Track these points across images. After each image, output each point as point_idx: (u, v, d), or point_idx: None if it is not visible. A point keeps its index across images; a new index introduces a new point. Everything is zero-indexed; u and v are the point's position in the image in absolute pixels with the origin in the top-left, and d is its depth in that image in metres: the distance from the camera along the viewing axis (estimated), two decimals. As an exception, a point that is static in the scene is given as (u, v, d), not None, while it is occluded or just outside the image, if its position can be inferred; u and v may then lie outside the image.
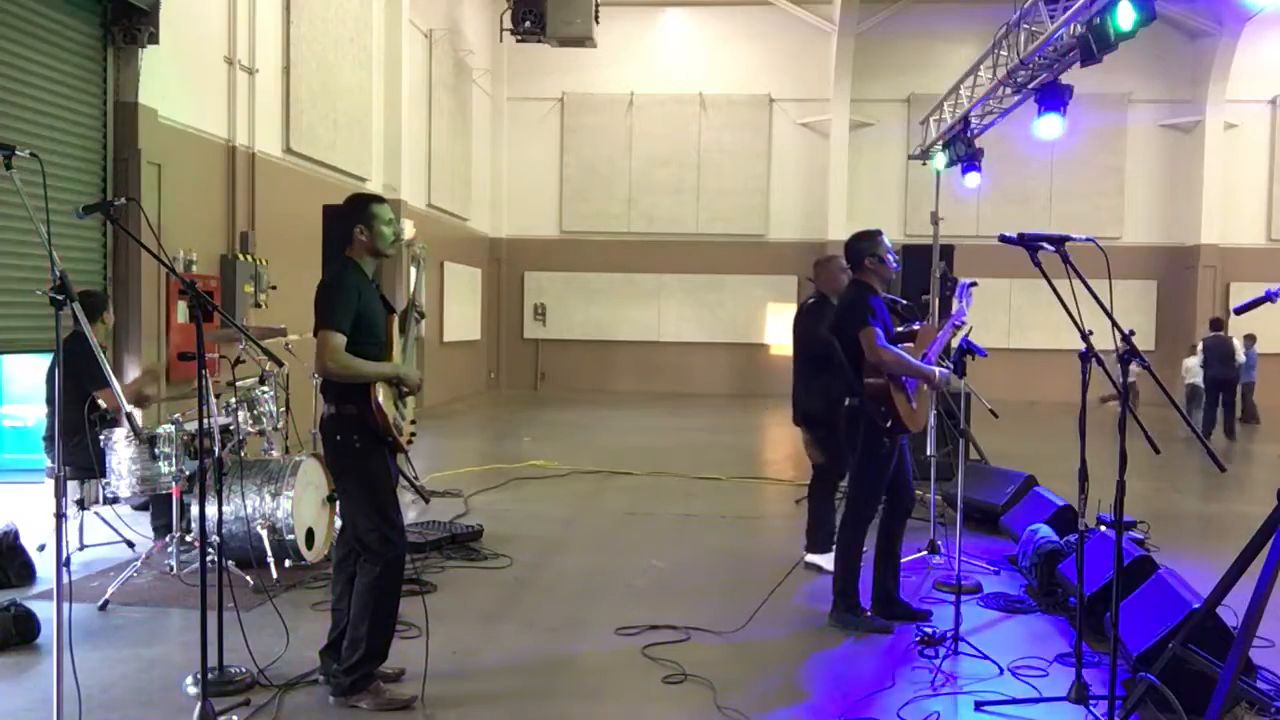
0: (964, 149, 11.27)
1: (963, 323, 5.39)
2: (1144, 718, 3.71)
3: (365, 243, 4.07)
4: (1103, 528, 5.86)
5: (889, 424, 4.93)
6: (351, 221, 4.08)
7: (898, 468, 5.17)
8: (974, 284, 5.53)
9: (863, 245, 5.16)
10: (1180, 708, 3.56)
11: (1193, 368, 15.52)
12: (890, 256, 5.16)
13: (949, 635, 4.66)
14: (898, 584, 5.31)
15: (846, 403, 5.13)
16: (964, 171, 11.58)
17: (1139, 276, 19.90)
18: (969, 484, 6.21)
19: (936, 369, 5.05)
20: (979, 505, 7.44)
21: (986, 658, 4.52)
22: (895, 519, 5.28)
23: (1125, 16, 7.51)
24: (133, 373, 8.31)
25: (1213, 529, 7.96)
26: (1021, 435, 13.46)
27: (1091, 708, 3.92)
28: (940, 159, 11.50)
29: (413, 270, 4.53)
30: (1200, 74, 19.77)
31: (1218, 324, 15.18)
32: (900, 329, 5.27)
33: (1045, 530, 6.02)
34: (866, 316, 4.93)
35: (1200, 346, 15.43)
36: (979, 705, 4.07)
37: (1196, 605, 3.90)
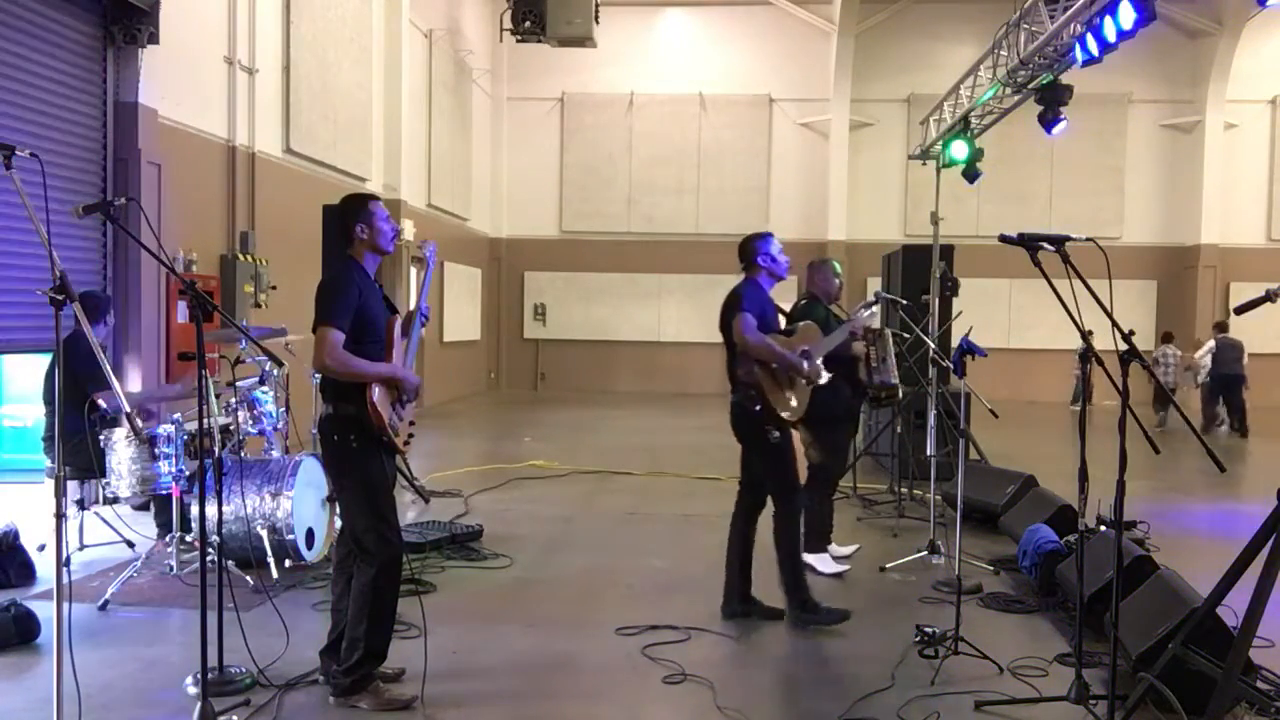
0: (965, 149, 11.27)
1: (860, 330, 5.47)
2: (1144, 718, 3.71)
3: (366, 240, 4.07)
4: (1103, 528, 5.87)
5: (758, 408, 4.98)
6: (351, 220, 4.08)
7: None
8: (876, 301, 5.86)
9: (753, 245, 5.27)
10: (1180, 708, 3.56)
11: (1203, 364, 15.72)
12: (782, 259, 5.26)
13: (949, 635, 4.66)
14: (749, 579, 5.34)
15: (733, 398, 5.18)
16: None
17: (1139, 276, 19.90)
18: (969, 484, 6.21)
19: (805, 362, 5.09)
20: (979, 505, 7.44)
21: (986, 658, 4.52)
22: (749, 509, 5.35)
23: (1125, 17, 7.51)
24: (133, 373, 8.32)
25: (1213, 529, 7.95)
26: (1021, 435, 13.46)
27: (1091, 708, 3.92)
28: (959, 146, 11.23)
29: (414, 271, 4.52)
30: (1200, 74, 19.77)
31: (1223, 326, 15.33)
32: (785, 328, 5.32)
33: (1045, 530, 6.02)
34: (743, 304, 5.01)
35: (1212, 345, 15.60)
36: (979, 705, 4.07)
37: (1196, 605, 3.90)
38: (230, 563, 5.36)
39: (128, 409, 3.73)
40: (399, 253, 13.30)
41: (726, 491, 9.01)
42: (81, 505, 5.98)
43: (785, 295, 6.95)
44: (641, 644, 4.78)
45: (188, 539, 5.71)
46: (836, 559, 6.26)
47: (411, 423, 4.20)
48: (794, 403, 5.08)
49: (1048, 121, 9.93)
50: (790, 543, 5.16)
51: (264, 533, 5.71)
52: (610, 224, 20.47)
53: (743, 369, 5.02)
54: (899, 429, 8.52)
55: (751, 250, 5.27)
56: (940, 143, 12.21)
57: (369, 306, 4.00)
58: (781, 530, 5.17)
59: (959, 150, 11.09)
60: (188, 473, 5.61)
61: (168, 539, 5.73)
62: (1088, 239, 3.84)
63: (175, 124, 8.99)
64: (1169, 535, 7.19)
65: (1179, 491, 9.52)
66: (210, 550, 4.10)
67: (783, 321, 5.39)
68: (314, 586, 5.57)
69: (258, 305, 10.21)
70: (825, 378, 5.22)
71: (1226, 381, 15.00)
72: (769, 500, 5.27)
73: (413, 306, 4.48)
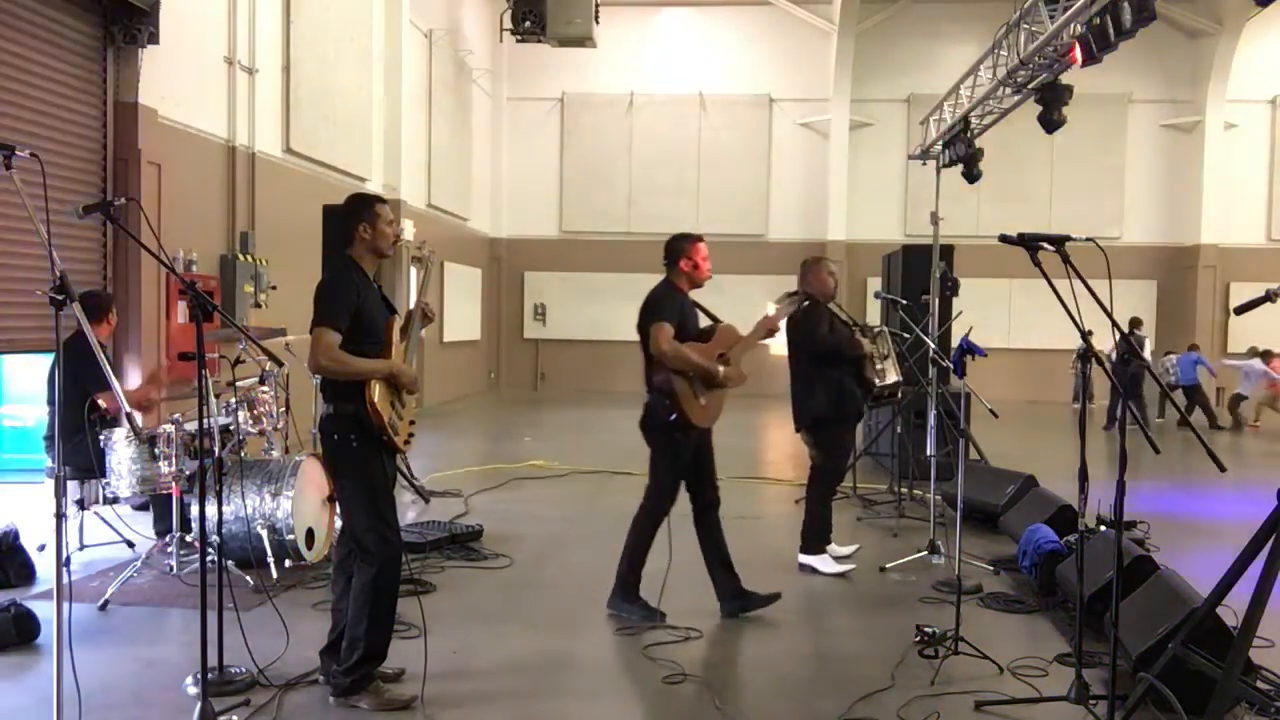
0: (964, 149, 11.26)
1: (777, 328, 5.41)
2: (1144, 718, 3.71)
3: (368, 241, 4.07)
4: (1103, 528, 5.87)
5: (673, 417, 4.97)
6: (354, 220, 4.08)
7: (699, 462, 5.21)
8: (795, 293, 5.75)
9: (678, 247, 5.24)
10: (1180, 708, 3.56)
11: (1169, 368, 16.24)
12: (705, 266, 5.23)
13: (949, 635, 4.66)
14: (734, 574, 5.35)
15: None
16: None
17: (1139, 276, 19.89)
18: (969, 484, 6.21)
19: (721, 368, 5.07)
20: (979, 505, 7.43)
21: (987, 658, 4.52)
22: (701, 513, 5.33)
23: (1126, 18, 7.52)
24: (133, 373, 8.31)
25: (1213, 529, 7.95)
26: (1021, 435, 13.46)
27: (1091, 708, 3.92)
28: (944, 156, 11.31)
29: (414, 272, 4.52)
30: (1200, 74, 19.77)
31: (1195, 348, 16.71)
32: (704, 327, 5.27)
33: (1045, 530, 6.02)
34: (662, 312, 4.99)
35: (1174, 357, 16.40)
36: (979, 705, 4.07)
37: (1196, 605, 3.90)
38: (230, 563, 5.36)
39: (128, 409, 3.73)
40: (399, 253, 13.30)
41: (727, 491, 9.01)
42: (81, 505, 5.97)
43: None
44: (641, 644, 4.78)
45: (188, 539, 5.71)
46: (837, 559, 6.26)
47: (412, 422, 4.20)
48: (707, 407, 5.09)
49: (1048, 122, 9.93)
50: (637, 535, 5.19)
51: (264, 533, 5.71)
52: (610, 224, 20.47)
53: (658, 375, 5.02)
54: (899, 429, 8.52)
55: (675, 251, 5.23)
56: (940, 143, 12.21)
57: (367, 307, 3.99)
58: (638, 521, 5.21)
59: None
60: (188, 473, 5.61)
61: (168, 539, 5.73)
62: (1088, 239, 3.84)
63: (175, 124, 8.99)
64: (1169, 535, 7.19)
65: (1179, 491, 9.52)
66: (210, 550, 4.10)
67: (704, 320, 5.35)
68: (314, 586, 5.57)
69: (258, 305, 10.21)
70: (723, 384, 5.15)
71: (1185, 391, 15.86)
72: (708, 498, 5.32)
73: (412, 306, 4.48)
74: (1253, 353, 16.14)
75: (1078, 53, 8.04)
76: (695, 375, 5.01)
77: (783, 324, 5.53)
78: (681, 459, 5.13)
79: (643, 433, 5.21)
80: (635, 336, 5.25)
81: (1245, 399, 15.98)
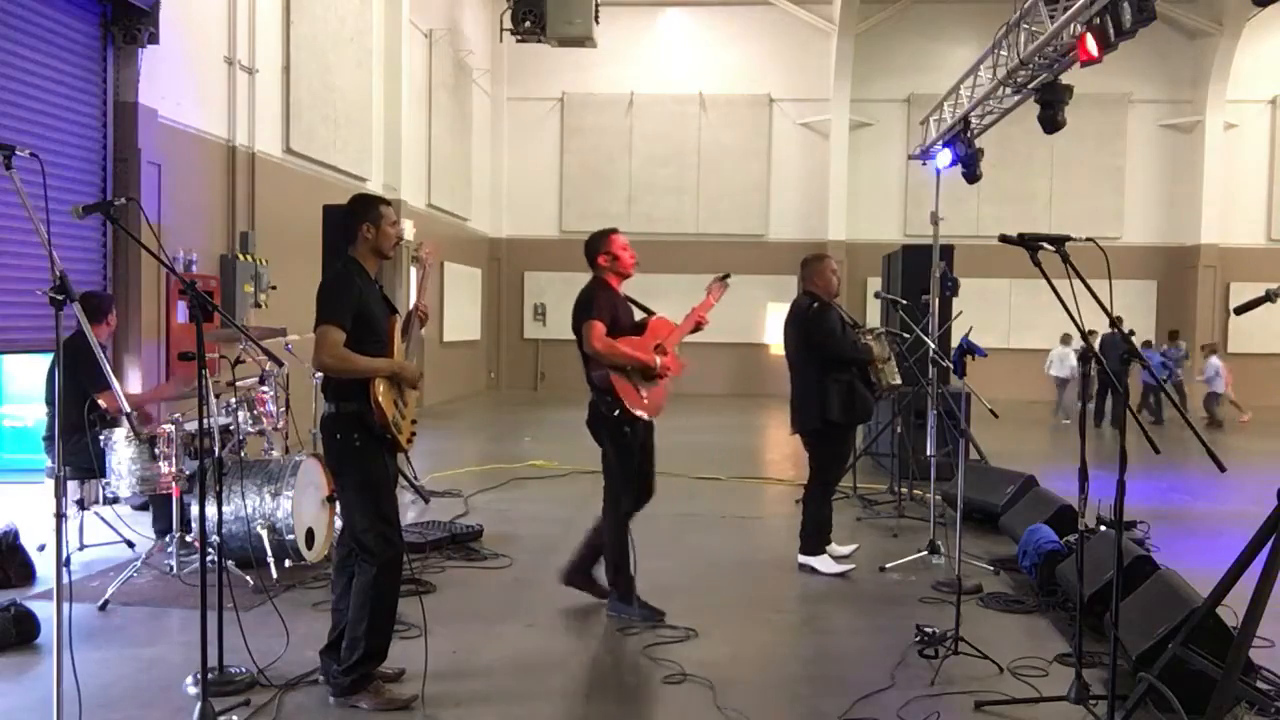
0: (964, 149, 11.24)
1: (706, 319, 5.39)
2: (1144, 718, 3.71)
3: (371, 241, 4.08)
4: (1103, 527, 5.87)
5: (616, 413, 5.00)
6: (359, 220, 4.08)
7: (642, 458, 5.23)
8: (727, 276, 5.61)
9: (593, 244, 5.27)
10: (1180, 708, 3.56)
11: (1062, 359, 16.33)
12: (625, 255, 5.23)
13: (949, 635, 4.66)
14: (596, 561, 5.35)
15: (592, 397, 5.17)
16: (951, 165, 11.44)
17: (1139, 276, 19.91)
18: (969, 484, 6.21)
19: (658, 358, 5.10)
20: (979, 505, 7.43)
21: (987, 658, 4.52)
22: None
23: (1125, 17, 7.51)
24: (133, 373, 8.32)
25: (1213, 529, 7.95)
26: (1021, 435, 13.45)
27: (1091, 708, 3.92)
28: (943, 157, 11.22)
29: (413, 271, 4.53)
30: (1200, 74, 19.77)
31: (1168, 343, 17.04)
32: (637, 320, 5.29)
33: (1045, 530, 6.01)
34: (592, 311, 5.01)
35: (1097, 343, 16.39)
36: (979, 705, 4.07)
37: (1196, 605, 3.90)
38: (230, 563, 5.36)
39: (128, 409, 3.73)
40: (400, 253, 13.29)
41: (727, 491, 9.04)
42: (81, 505, 5.98)
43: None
44: (641, 644, 4.78)
45: (188, 539, 5.71)
46: (837, 559, 6.25)
47: (414, 420, 4.20)
48: (649, 399, 5.11)
49: (1048, 121, 9.91)
50: (614, 536, 5.19)
51: (264, 533, 5.71)
52: (610, 224, 20.24)
53: (596, 373, 5.04)
54: (899, 429, 8.52)
55: (592, 250, 5.26)
56: (940, 143, 12.19)
57: (369, 306, 4.00)
58: (607, 525, 5.21)
59: (943, 160, 11.02)
60: (188, 473, 5.61)
61: (168, 539, 5.73)
62: (1088, 239, 3.84)
63: (175, 124, 8.99)
64: (1169, 535, 7.19)
65: (1179, 491, 9.52)
66: (210, 550, 4.10)
67: (637, 314, 5.34)
68: (314, 586, 5.57)
69: (258, 305, 10.21)
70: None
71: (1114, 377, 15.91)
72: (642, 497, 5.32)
73: (412, 306, 4.48)
74: (1210, 350, 16.48)
75: (1090, 43, 7.93)
76: (633, 369, 5.04)
77: (706, 316, 5.46)
78: (632, 452, 5.15)
79: (590, 432, 5.23)
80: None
81: (1220, 395, 16.17)
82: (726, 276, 5.60)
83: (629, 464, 5.15)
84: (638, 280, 5.38)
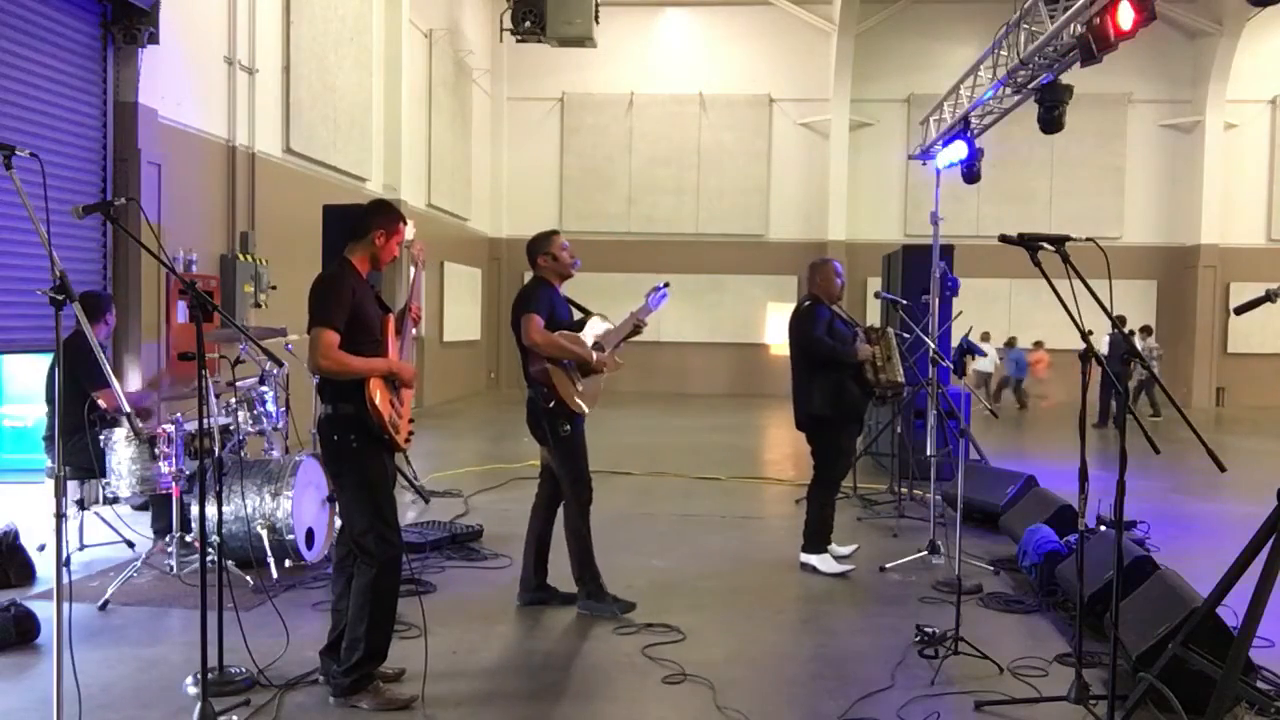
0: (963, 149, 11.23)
1: (644, 322, 5.47)
2: (1144, 718, 3.71)
3: (375, 247, 4.08)
4: (1103, 527, 5.86)
5: (551, 404, 5.04)
6: (377, 224, 4.09)
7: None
8: (666, 285, 5.77)
9: (535, 246, 5.35)
10: (1180, 708, 3.56)
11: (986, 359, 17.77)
12: (564, 256, 5.32)
13: (949, 635, 4.66)
14: (546, 568, 5.41)
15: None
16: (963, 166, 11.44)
17: (1139, 276, 19.91)
18: (969, 484, 6.20)
19: (595, 353, 5.17)
20: (979, 505, 7.44)
21: (987, 658, 4.52)
22: (550, 500, 5.39)
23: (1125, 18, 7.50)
24: (133, 373, 8.31)
25: (1212, 529, 7.95)
26: (1021, 435, 13.45)
27: (1091, 708, 3.92)
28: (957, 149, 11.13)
29: (412, 272, 4.53)
30: (1200, 74, 19.77)
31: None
32: (575, 319, 5.34)
33: (1045, 530, 6.01)
34: (531, 305, 5.07)
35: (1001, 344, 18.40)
36: (979, 705, 4.07)
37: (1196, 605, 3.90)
38: (230, 563, 5.36)
39: (128, 409, 3.73)
40: (400, 253, 13.26)
41: (727, 491, 9.04)
42: (81, 505, 5.98)
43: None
44: (641, 644, 4.78)
45: (188, 539, 5.71)
46: (837, 558, 6.26)
47: (411, 420, 4.20)
48: (585, 393, 5.16)
49: (1047, 122, 9.92)
50: (578, 532, 5.23)
51: (264, 533, 5.71)
52: (610, 224, 20.46)
53: (534, 367, 5.08)
54: (899, 429, 8.52)
55: (533, 252, 5.34)
56: (940, 143, 12.19)
57: (364, 307, 4.00)
58: (570, 521, 5.25)
59: (953, 154, 10.98)
60: (188, 473, 5.61)
61: (168, 539, 5.73)
62: (1088, 239, 3.84)
63: (175, 124, 8.99)
64: (1169, 535, 7.19)
65: (1180, 491, 9.52)
66: (210, 550, 4.10)
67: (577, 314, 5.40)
68: (314, 586, 5.57)
69: (258, 305, 10.21)
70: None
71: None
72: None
73: (404, 305, 4.47)
74: (1009, 344, 18.38)
75: (1125, 10, 7.64)
76: (570, 362, 5.09)
77: (646, 320, 5.54)
78: (578, 447, 5.19)
79: (531, 431, 5.26)
80: (636, 336, 5.28)
81: (1019, 381, 18.17)
82: (666, 285, 5.79)
83: (576, 458, 5.20)
84: (638, 280, 5.41)
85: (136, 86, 8.32)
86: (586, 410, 5.18)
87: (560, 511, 5.38)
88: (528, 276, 5.53)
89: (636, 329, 5.45)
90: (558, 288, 5.34)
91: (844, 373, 6.14)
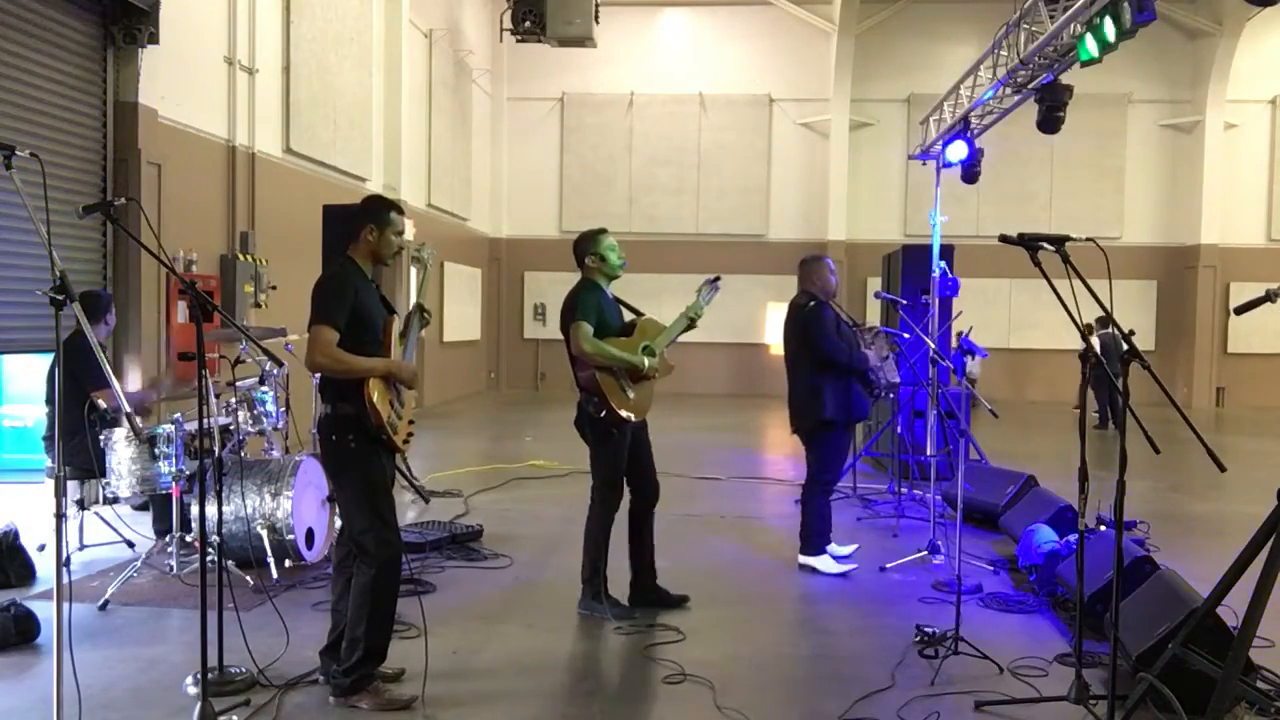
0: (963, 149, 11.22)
1: (699, 315, 5.42)
2: (1144, 718, 3.71)
3: (371, 244, 4.07)
4: (1103, 527, 5.87)
5: (603, 414, 5.03)
6: (364, 220, 4.07)
7: (636, 458, 5.26)
8: (718, 278, 5.65)
9: (582, 245, 5.30)
10: (1180, 708, 3.56)
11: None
12: (612, 256, 5.26)
13: (949, 635, 4.66)
14: (652, 571, 5.41)
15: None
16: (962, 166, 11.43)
17: (1139, 276, 19.90)
18: (969, 484, 6.20)
19: (646, 359, 5.14)
20: (979, 505, 7.44)
21: (987, 658, 4.52)
22: (639, 507, 5.39)
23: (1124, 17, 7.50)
24: (133, 373, 8.31)
25: (1213, 529, 7.95)
26: (1021, 435, 13.45)
27: (1091, 708, 3.92)
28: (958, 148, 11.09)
29: (414, 272, 4.53)
30: (1200, 74, 19.77)
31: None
32: (626, 321, 5.31)
33: (1045, 530, 6.01)
34: (579, 312, 5.04)
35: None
36: (979, 705, 4.07)
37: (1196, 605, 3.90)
38: (230, 563, 5.36)
39: (128, 409, 3.73)
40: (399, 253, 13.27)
41: (727, 491, 9.04)
42: (81, 505, 5.98)
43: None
44: (641, 644, 4.78)
45: (188, 539, 5.71)
46: (837, 559, 6.25)
47: (411, 421, 4.20)
48: (635, 401, 5.13)
49: (1047, 122, 9.91)
50: (594, 535, 5.23)
51: (264, 533, 5.71)
52: (610, 224, 19.98)
53: (582, 374, 5.06)
54: (899, 429, 8.52)
55: (579, 252, 5.29)
56: (940, 143, 12.19)
57: (366, 306, 3.99)
58: (591, 522, 5.26)
59: (957, 152, 10.97)
60: (188, 473, 5.61)
61: (168, 539, 5.73)
62: (1088, 239, 3.84)
63: (175, 124, 8.99)
64: (1169, 535, 7.19)
65: (1180, 492, 9.52)
66: (210, 550, 4.10)
67: (628, 315, 5.37)
68: (314, 586, 5.57)
69: (258, 305, 10.21)
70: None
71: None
72: (648, 496, 5.38)
73: (411, 307, 4.47)
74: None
75: None
76: (620, 370, 5.05)
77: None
78: (619, 454, 5.17)
79: (578, 432, 5.26)
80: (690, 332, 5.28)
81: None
82: (717, 279, 5.65)
83: (616, 466, 5.19)
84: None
85: (136, 86, 8.32)
86: (634, 419, 5.14)
87: (636, 512, 5.39)
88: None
89: (690, 325, 5.40)
90: (606, 289, 5.27)
91: (853, 376, 6.11)
